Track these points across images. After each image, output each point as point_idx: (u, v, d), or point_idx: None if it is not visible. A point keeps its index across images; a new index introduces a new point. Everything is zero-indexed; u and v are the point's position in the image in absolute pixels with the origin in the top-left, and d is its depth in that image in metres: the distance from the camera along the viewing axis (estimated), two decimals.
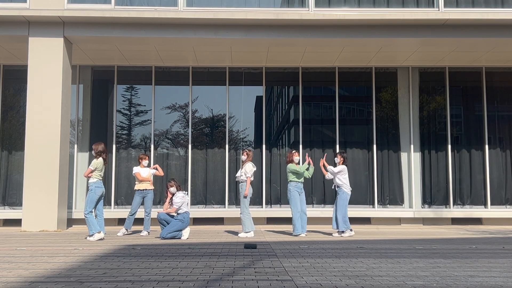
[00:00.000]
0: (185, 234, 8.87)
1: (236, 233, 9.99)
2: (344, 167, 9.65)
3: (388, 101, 13.44)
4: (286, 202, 12.85)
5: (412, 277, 4.66)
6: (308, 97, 13.53)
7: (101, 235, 8.56)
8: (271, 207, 13.00)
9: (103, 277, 4.59)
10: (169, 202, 9.15)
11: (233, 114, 13.34)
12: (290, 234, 9.88)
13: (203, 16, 10.88)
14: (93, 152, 8.97)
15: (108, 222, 12.19)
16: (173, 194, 9.15)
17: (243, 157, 9.50)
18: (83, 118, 13.14)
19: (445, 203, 13.11)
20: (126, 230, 9.75)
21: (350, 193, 9.60)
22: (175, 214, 9.04)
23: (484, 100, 13.38)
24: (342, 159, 9.75)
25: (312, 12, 11.21)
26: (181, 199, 9.04)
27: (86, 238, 8.66)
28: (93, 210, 8.72)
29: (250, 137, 13.38)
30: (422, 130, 13.35)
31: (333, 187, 9.80)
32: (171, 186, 9.18)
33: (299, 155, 9.91)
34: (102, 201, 8.89)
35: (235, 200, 12.88)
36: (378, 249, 7.03)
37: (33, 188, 10.68)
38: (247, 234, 9.19)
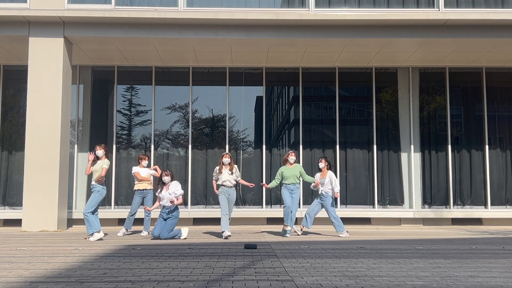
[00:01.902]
0: (184, 233, 8.86)
1: (237, 233, 9.97)
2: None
3: (388, 101, 13.43)
4: None
5: (412, 277, 4.65)
6: (308, 97, 13.52)
7: (101, 234, 8.56)
8: (271, 207, 13.00)
9: (103, 277, 4.59)
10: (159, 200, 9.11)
11: (233, 114, 13.34)
12: (291, 233, 9.91)
13: (203, 16, 10.88)
14: (101, 151, 8.87)
15: (108, 222, 12.20)
16: (164, 184, 9.05)
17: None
18: (83, 118, 13.14)
19: (445, 203, 13.10)
20: (126, 230, 9.75)
21: None
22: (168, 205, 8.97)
23: (484, 100, 13.38)
24: (327, 163, 9.79)
25: (312, 12, 11.22)
26: (178, 186, 9.06)
27: (86, 238, 8.66)
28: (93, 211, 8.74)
29: (250, 137, 13.38)
30: (422, 130, 13.35)
31: (323, 192, 9.66)
32: (166, 175, 9.10)
33: (294, 155, 9.76)
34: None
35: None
36: (378, 250, 7.03)
37: (33, 188, 10.68)
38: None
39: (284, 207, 9.58)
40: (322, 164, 9.73)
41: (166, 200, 8.94)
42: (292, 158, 9.66)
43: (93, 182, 8.81)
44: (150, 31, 11.07)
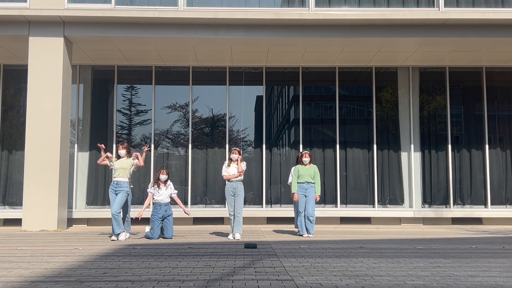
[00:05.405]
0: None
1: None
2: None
3: (389, 100, 13.43)
4: (286, 202, 12.87)
5: (412, 276, 4.65)
6: (308, 97, 13.52)
7: (127, 235, 8.69)
8: (271, 207, 13.00)
9: (103, 277, 4.59)
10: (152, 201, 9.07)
11: (233, 114, 13.34)
12: (291, 233, 9.91)
13: (203, 16, 10.88)
14: (124, 151, 8.77)
15: (108, 221, 12.19)
16: (162, 183, 9.05)
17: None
18: (83, 118, 13.14)
19: (445, 202, 13.10)
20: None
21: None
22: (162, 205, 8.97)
23: (484, 100, 13.38)
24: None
25: (312, 12, 11.21)
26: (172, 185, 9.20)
27: (115, 239, 8.50)
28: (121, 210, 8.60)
29: (250, 137, 13.38)
30: (423, 130, 13.35)
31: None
32: (163, 174, 9.04)
33: (308, 156, 9.55)
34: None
35: None
36: (378, 249, 7.03)
37: (33, 188, 10.68)
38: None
39: (299, 213, 9.32)
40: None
41: (164, 196, 8.93)
42: (306, 159, 9.48)
43: (119, 179, 8.58)
44: (150, 30, 11.07)
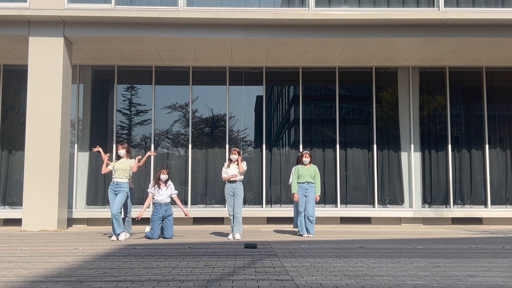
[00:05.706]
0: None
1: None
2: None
3: (389, 100, 13.43)
4: (286, 202, 12.87)
5: (412, 276, 4.66)
6: (308, 96, 13.52)
7: (127, 234, 8.67)
8: (271, 207, 13.00)
9: (103, 277, 4.59)
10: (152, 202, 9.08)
11: (233, 114, 13.33)
12: (291, 233, 9.91)
13: (203, 15, 10.88)
14: (124, 151, 8.84)
15: (108, 221, 12.19)
16: (163, 183, 9.05)
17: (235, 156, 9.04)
18: (83, 118, 13.14)
19: (445, 202, 13.10)
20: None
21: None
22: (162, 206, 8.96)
23: (484, 100, 13.38)
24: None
25: (312, 12, 11.22)
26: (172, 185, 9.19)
27: (112, 238, 8.51)
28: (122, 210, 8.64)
29: (250, 137, 13.38)
30: (423, 130, 13.35)
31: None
32: (164, 174, 9.05)
33: (309, 156, 9.55)
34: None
35: None
36: (378, 249, 7.04)
37: (33, 188, 10.68)
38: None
39: (299, 213, 9.31)
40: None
41: (164, 196, 8.93)
42: (306, 159, 9.49)
43: (119, 180, 8.61)
44: (150, 30, 11.07)
